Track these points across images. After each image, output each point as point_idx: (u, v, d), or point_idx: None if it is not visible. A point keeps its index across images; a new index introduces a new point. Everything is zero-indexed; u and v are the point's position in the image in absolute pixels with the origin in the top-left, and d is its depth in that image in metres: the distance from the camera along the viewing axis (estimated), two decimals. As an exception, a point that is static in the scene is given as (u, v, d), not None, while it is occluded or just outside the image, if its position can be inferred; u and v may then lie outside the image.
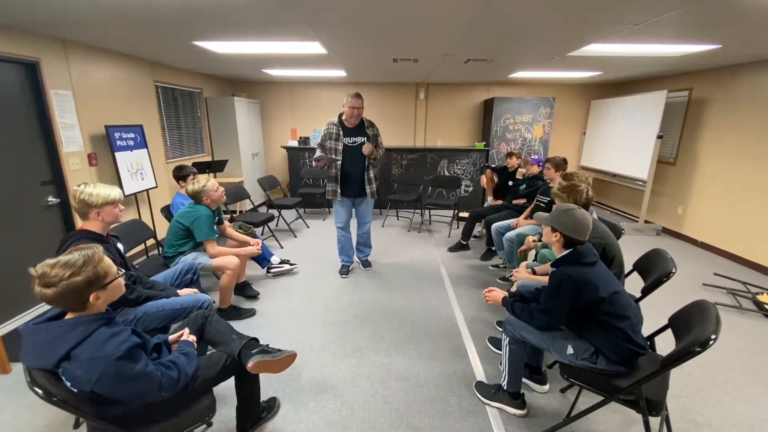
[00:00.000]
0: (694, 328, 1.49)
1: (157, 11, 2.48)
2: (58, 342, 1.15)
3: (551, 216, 1.77)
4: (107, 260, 1.28)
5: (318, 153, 3.40)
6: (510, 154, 4.43)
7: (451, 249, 4.50)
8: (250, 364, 1.54)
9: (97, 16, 2.59)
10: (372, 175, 3.51)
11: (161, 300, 2.05)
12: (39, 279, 1.15)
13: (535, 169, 3.96)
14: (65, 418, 1.96)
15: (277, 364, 1.67)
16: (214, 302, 2.96)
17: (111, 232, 2.10)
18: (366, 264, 3.97)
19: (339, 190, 3.44)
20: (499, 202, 4.45)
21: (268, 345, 1.73)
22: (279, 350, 1.72)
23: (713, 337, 1.32)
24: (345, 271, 3.79)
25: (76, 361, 1.15)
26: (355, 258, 4.00)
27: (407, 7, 2.39)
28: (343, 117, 3.34)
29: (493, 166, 4.95)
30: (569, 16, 2.52)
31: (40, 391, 1.07)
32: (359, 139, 3.37)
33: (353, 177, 3.44)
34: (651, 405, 1.51)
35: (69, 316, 1.23)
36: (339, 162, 3.36)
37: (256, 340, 1.74)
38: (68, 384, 1.19)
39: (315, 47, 3.57)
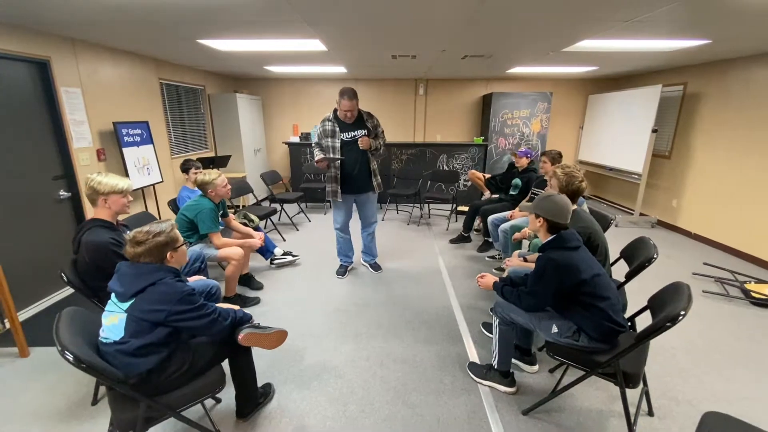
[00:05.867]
0: (667, 306, 1.60)
1: (164, 11, 2.59)
2: (142, 277, 1.46)
3: (534, 204, 1.90)
4: (177, 231, 1.63)
5: (317, 152, 3.20)
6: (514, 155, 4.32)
7: (453, 240, 4.63)
8: (240, 336, 1.66)
9: (105, 16, 2.70)
10: (375, 167, 3.35)
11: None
12: (131, 241, 1.50)
13: (524, 162, 4.03)
14: (83, 397, 2.09)
15: (267, 338, 1.76)
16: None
17: (122, 222, 2.23)
18: (376, 267, 3.79)
19: (339, 190, 3.26)
20: (496, 195, 4.55)
21: (259, 323, 1.83)
22: (269, 327, 1.83)
23: (682, 312, 1.43)
24: (342, 271, 3.70)
25: (151, 294, 1.44)
26: (355, 258, 3.87)
27: (403, 5, 2.48)
28: (338, 113, 3.18)
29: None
30: (559, 12, 2.61)
31: (70, 357, 1.19)
32: (359, 133, 3.18)
33: (356, 173, 3.25)
34: (628, 378, 1.63)
35: None
36: (339, 161, 3.19)
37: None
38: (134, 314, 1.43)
39: (315, 44, 3.66)
